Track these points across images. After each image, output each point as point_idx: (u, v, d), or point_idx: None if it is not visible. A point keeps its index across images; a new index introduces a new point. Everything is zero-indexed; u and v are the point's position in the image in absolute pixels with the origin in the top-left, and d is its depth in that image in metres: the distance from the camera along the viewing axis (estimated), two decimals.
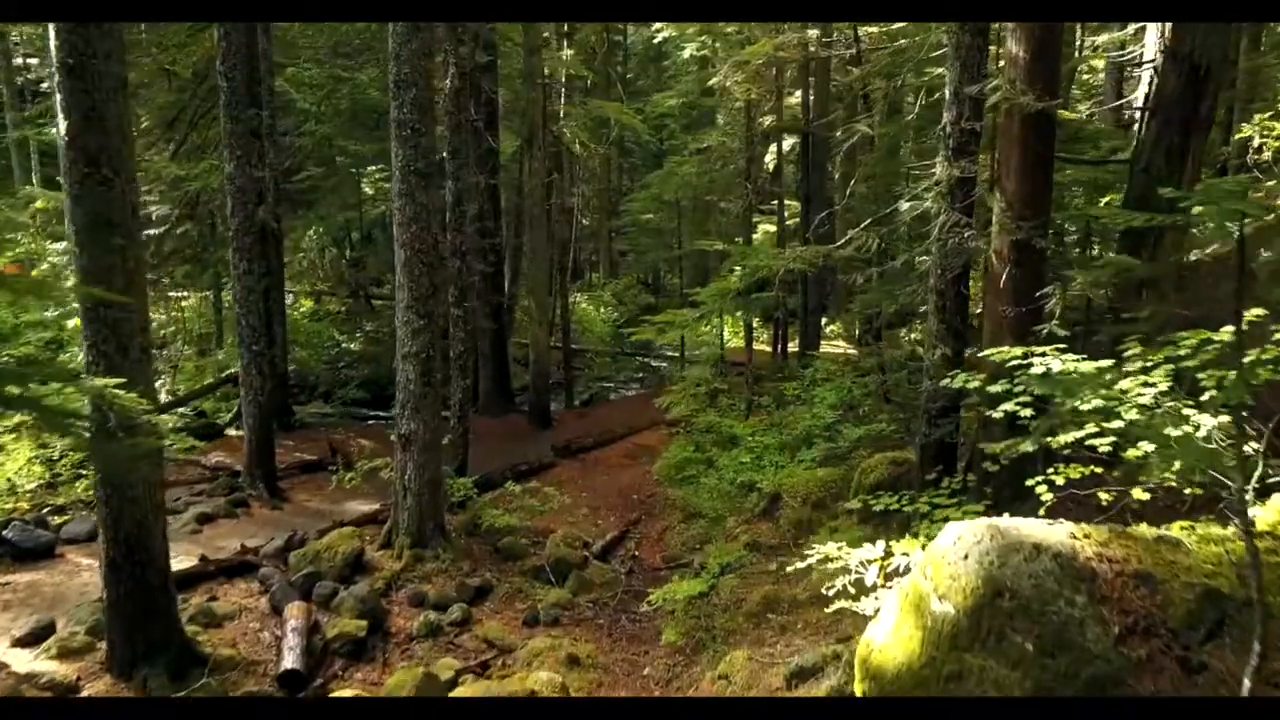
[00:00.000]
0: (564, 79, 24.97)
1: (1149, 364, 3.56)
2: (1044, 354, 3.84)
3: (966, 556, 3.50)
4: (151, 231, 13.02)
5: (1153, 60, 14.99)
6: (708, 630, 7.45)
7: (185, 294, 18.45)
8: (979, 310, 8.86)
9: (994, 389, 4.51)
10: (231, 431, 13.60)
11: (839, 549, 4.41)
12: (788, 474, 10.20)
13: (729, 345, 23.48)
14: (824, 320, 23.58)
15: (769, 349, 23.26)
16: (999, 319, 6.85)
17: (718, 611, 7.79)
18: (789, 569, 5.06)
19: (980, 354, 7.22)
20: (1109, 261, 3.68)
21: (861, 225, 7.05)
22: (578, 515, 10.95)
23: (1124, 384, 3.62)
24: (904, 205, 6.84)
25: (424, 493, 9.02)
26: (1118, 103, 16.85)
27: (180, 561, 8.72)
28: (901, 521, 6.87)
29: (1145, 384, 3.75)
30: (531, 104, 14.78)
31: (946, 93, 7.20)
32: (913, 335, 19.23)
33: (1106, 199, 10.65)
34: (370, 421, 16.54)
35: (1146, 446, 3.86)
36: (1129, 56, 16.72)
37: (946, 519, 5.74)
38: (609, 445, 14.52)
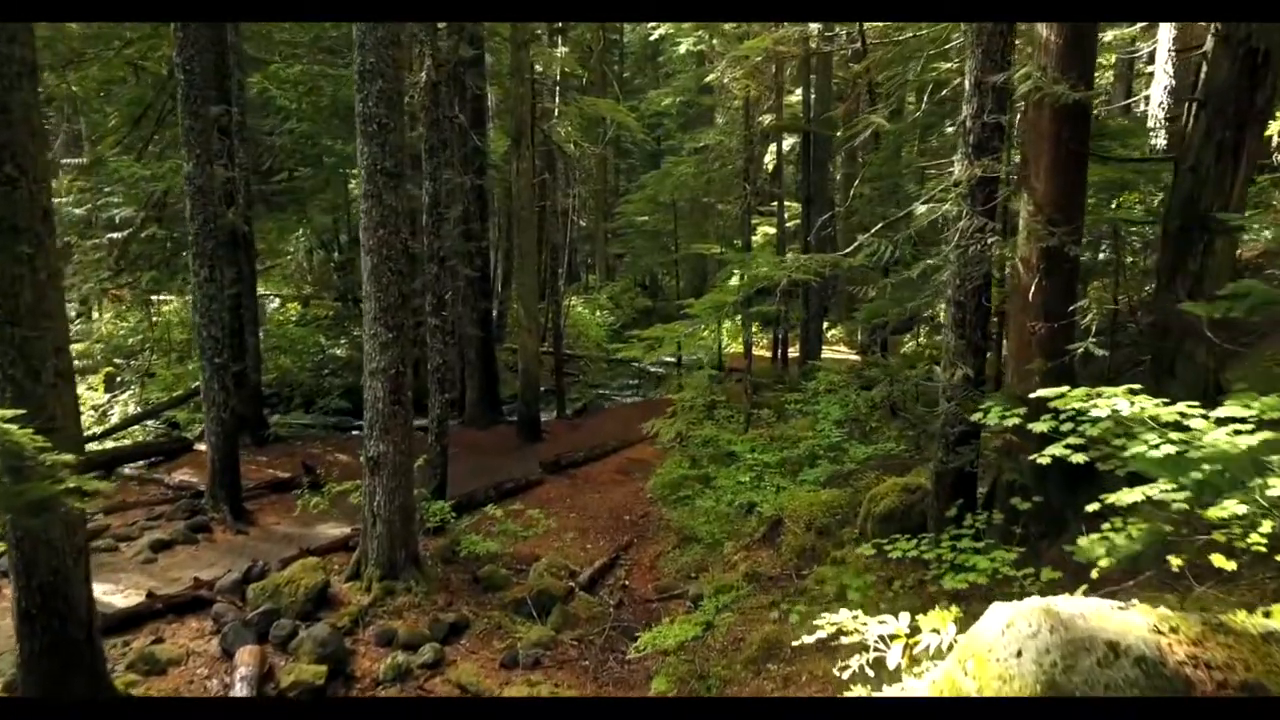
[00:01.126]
0: (558, 76, 24.28)
1: (1251, 408, 2.84)
2: (1111, 395, 3.12)
3: (1020, 653, 2.78)
4: (115, 235, 12.32)
5: (1169, 55, 14.29)
6: (702, 678, 6.72)
7: (167, 298, 17.77)
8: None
9: (1038, 426, 3.80)
10: (201, 446, 12.86)
11: (854, 618, 3.70)
12: (789, 496, 9.49)
13: (727, 350, 22.82)
14: (825, 324, 22.90)
15: (768, 354, 22.59)
16: (1026, 335, 6.15)
17: (714, 655, 7.08)
18: (795, 643, 4.33)
19: (1004, 374, 6.52)
20: (1248, 289, 2.97)
21: (872, 231, 6.34)
22: (565, 539, 10.23)
23: (1214, 434, 2.91)
24: (920, 208, 6.14)
25: (395, 520, 8.31)
26: (1126, 100, 16.18)
27: (126, 597, 8.05)
28: (919, 564, 6.17)
29: (1235, 432, 3.05)
30: (520, 101, 14.07)
31: (966, 83, 6.49)
32: (920, 340, 18.55)
33: (1117, 200, 9.96)
34: (353, 433, 15.81)
35: (1235, 506, 3.16)
36: (1139, 52, 16.04)
37: (974, 567, 5.04)
38: (601, 460, 13.80)
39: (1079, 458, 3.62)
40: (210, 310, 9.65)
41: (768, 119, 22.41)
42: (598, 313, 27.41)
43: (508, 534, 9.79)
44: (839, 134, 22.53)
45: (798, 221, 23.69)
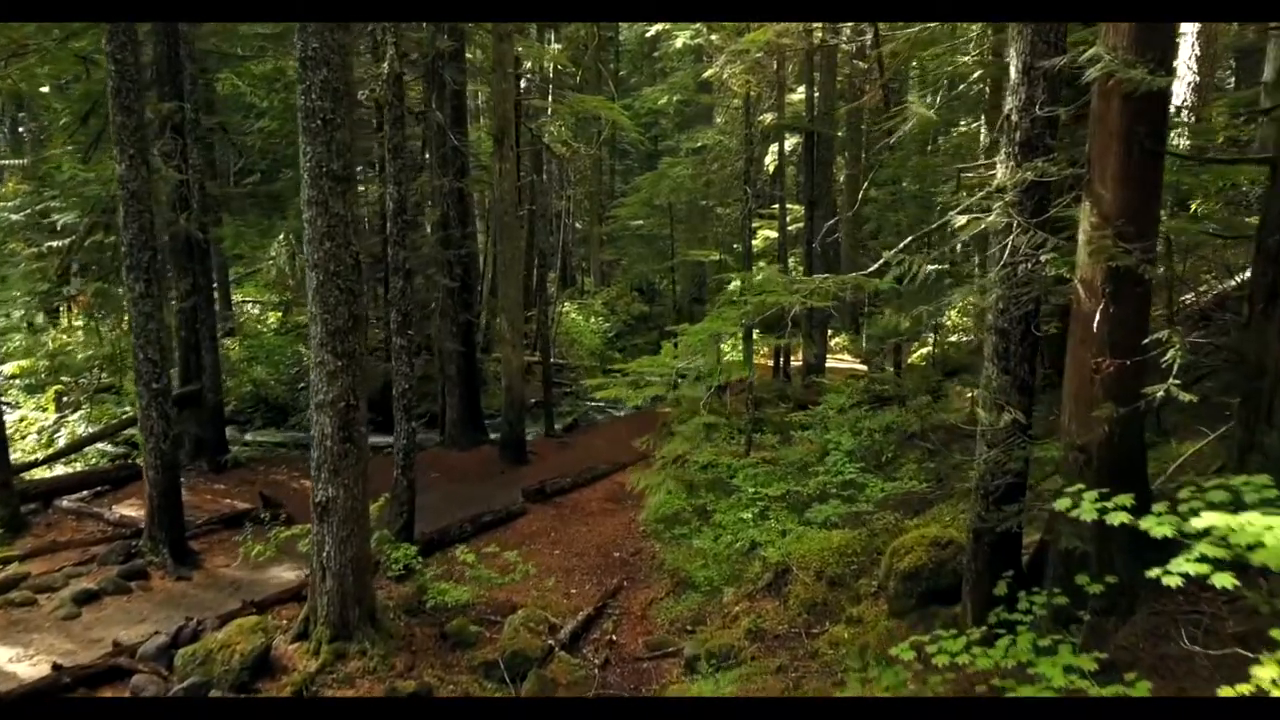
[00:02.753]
0: (551, 74, 23.28)
1: None
2: None
3: None
4: (55, 244, 11.26)
5: (1192, 50, 13.25)
6: None
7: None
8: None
9: (1158, 530, 2.76)
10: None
11: None
12: (796, 538, 8.46)
13: (726, 357, 21.77)
14: (828, 331, 21.88)
15: (769, 363, 21.59)
16: (1088, 373, 5.10)
17: None
18: None
19: (1060, 417, 5.46)
20: None
21: (901, 245, 5.30)
22: (546, 584, 9.18)
23: None
24: (959, 219, 5.10)
25: (347, 573, 7.26)
26: None
27: (34, 664, 6.99)
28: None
29: None
30: (502, 97, 13.02)
31: (1011, 71, 5.47)
32: (932, 350, 17.52)
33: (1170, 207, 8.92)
34: None
35: None
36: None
37: (1042, 676, 3.99)
38: (590, 485, 12.75)
39: (1224, 579, 2.58)
40: (147, 330, 8.59)
41: (769, 117, 21.39)
42: (592, 319, 26.37)
43: (482, 580, 8.75)
44: (840, 133, 21.53)
45: (800, 225, 22.69)
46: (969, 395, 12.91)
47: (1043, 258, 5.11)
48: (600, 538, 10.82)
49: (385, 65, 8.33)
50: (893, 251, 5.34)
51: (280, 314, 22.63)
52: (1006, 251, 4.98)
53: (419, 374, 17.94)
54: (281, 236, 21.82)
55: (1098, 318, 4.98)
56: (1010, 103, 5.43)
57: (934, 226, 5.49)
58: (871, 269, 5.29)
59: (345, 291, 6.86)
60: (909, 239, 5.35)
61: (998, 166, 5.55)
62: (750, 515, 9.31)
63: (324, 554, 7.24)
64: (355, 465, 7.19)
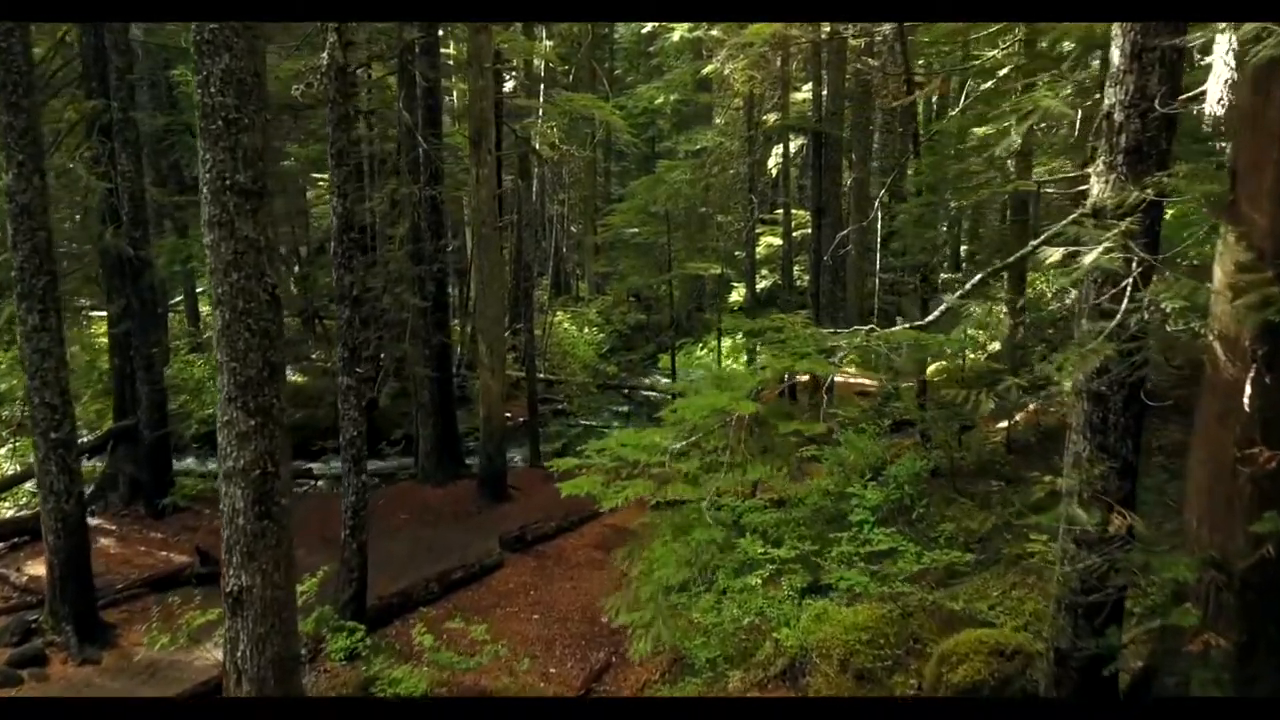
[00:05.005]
0: (542, 71, 21.96)
1: None
2: None
3: None
4: None
5: (1229, 43, 12.04)
6: None
7: (101, 314, 15.38)
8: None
9: None
10: (90, 520, 10.39)
11: None
12: (814, 616, 7.13)
13: (726, 364, 20.53)
14: None
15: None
16: (1228, 461, 3.77)
17: None
18: None
19: (1185, 517, 4.11)
20: None
21: (968, 285, 3.95)
22: (520, 665, 7.81)
23: None
24: (1053, 254, 3.76)
25: (266, 676, 5.89)
26: (1176, 99, 13.94)
27: None
28: None
29: None
30: (479, 95, 11.69)
31: (1114, 54, 4.17)
32: (957, 362, 16.22)
33: None
34: (297, 481, 13.37)
35: None
36: (1191, 41, 13.79)
37: None
38: (576, 529, 11.37)
39: None
40: (43, 369, 7.23)
41: (772, 117, 20.06)
42: (586, 330, 25.00)
43: (443, 664, 7.40)
44: (845, 133, 20.18)
45: (805, 231, 21.34)
46: (1001, 426, 11.63)
47: (1166, 306, 3.78)
48: (586, 597, 9.46)
49: (324, 55, 6.99)
50: (955, 295, 4.00)
51: None
52: (1126, 297, 3.64)
53: (394, 392, 16.63)
54: None
55: (1248, 389, 3.65)
56: (1112, 96, 4.11)
57: (1010, 261, 4.14)
58: (930, 317, 3.94)
59: (259, 334, 5.51)
60: (977, 277, 3.99)
61: (1092, 180, 4.23)
62: (758, 581, 7.99)
63: (238, 654, 5.87)
64: (276, 546, 5.82)
